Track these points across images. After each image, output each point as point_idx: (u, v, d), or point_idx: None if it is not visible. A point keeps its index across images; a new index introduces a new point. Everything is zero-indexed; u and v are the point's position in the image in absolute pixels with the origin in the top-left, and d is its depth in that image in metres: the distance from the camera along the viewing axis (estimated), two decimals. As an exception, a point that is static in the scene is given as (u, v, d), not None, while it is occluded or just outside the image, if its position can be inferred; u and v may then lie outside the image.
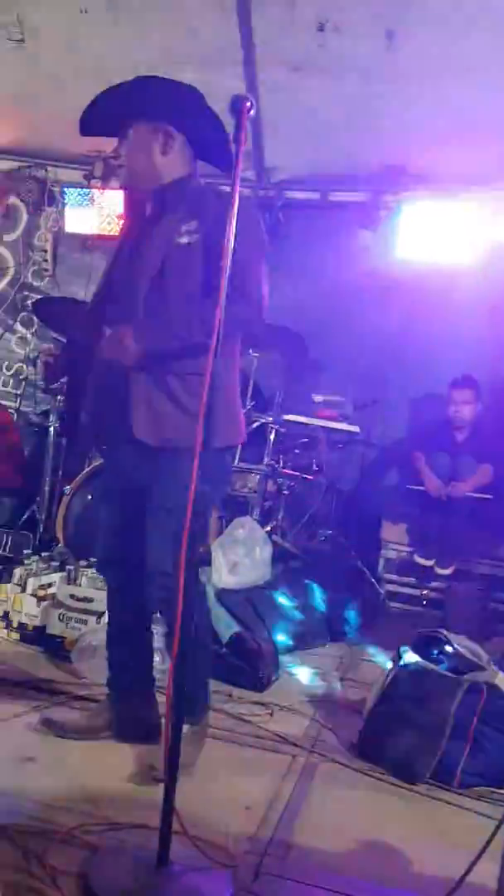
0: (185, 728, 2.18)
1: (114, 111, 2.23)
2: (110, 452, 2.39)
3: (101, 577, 2.60)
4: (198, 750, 2.22)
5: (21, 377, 5.91)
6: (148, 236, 2.22)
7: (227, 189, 1.84)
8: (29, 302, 5.87)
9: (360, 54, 4.44)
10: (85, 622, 3.04)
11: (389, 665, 2.61)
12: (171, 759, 1.64)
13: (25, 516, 4.75)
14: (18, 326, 6.02)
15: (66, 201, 5.80)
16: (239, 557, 3.64)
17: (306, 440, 4.83)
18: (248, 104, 1.74)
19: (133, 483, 2.21)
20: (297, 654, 3.48)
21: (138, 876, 1.61)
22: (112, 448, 2.35)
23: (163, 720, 2.20)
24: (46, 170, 5.93)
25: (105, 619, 3.02)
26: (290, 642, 3.50)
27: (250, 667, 2.99)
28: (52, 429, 4.41)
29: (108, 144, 5.49)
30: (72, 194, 5.79)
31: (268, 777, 2.26)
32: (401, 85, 4.55)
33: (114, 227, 5.64)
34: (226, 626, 3.15)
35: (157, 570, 2.14)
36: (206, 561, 3.41)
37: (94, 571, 3.28)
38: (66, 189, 5.82)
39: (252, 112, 1.76)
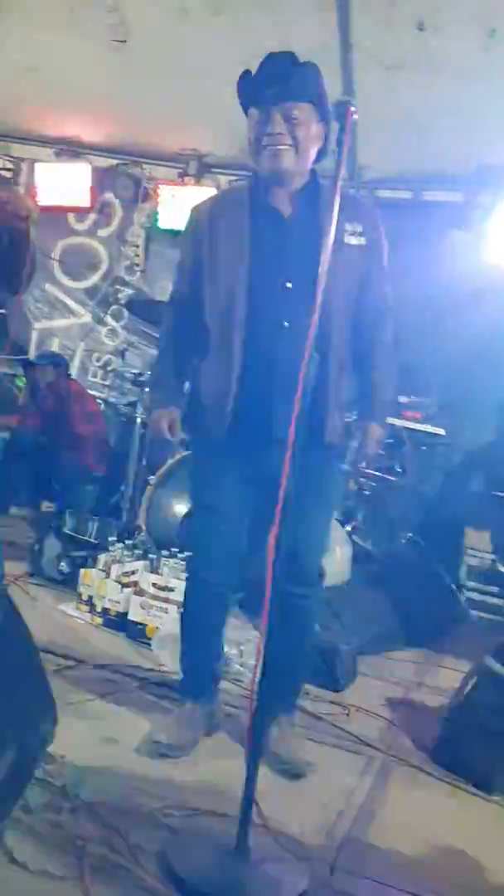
0: (291, 721, 2.32)
1: (301, 83, 2.02)
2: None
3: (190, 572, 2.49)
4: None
5: (109, 368, 6.05)
6: (300, 235, 2.09)
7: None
8: (120, 296, 6.01)
9: (459, 54, 4.38)
10: (166, 611, 3.11)
11: (470, 673, 2.58)
12: (253, 751, 1.67)
13: (110, 503, 4.88)
14: (109, 319, 6.16)
15: (160, 198, 5.90)
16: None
17: (391, 441, 4.79)
18: (353, 108, 1.74)
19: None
20: (374, 657, 3.46)
21: (217, 861, 1.64)
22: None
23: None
24: (142, 167, 6.04)
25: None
26: (368, 644, 3.48)
27: (328, 666, 2.99)
28: (138, 419, 4.50)
29: (201, 143, 5.69)
30: (166, 191, 5.89)
31: (344, 776, 2.27)
32: (500, 84, 4.47)
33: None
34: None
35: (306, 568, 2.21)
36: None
37: (177, 561, 3.35)
38: (160, 186, 5.92)
39: (356, 116, 1.76)
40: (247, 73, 2.10)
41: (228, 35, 4.70)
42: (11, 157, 6.40)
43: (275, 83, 2.01)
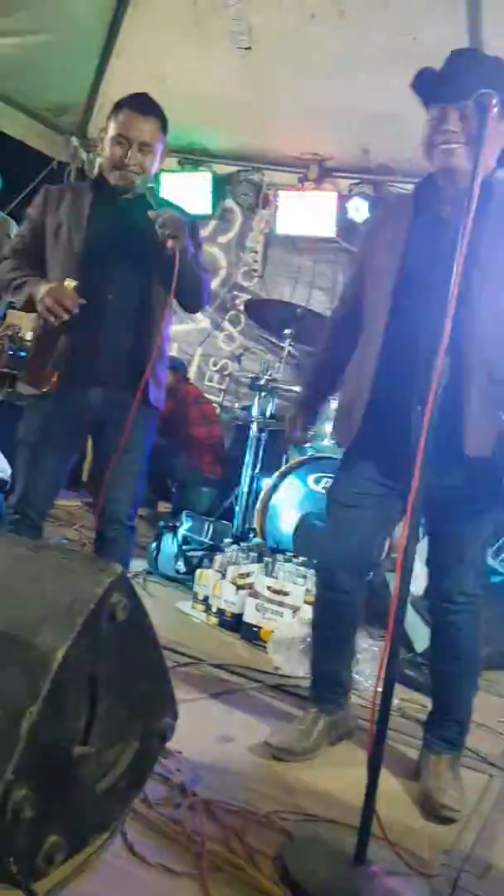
0: (450, 759, 2.17)
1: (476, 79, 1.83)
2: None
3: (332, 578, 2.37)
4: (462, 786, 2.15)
5: (225, 373, 6.12)
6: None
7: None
8: (238, 301, 6.06)
9: None
10: (280, 615, 3.10)
11: None
12: (374, 763, 1.63)
13: (225, 506, 4.93)
14: (226, 324, 6.23)
15: (279, 203, 5.93)
16: (417, 569, 3.54)
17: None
18: (494, 101, 1.67)
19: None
20: (494, 671, 3.33)
21: (334, 870, 1.61)
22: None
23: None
24: (262, 173, 6.08)
25: (300, 614, 3.08)
26: (487, 659, 3.35)
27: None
28: (254, 424, 4.53)
29: (322, 147, 5.67)
30: (285, 196, 5.91)
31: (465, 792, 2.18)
32: None
33: (324, 229, 5.69)
34: (421, 636, 3.09)
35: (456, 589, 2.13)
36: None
37: (293, 566, 3.34)
38: (279, 192, 5.94)
39: (496, 109, 1.69)
40: (426, 69, 2.02)
41: (353, 36, 4.68)
42: (136, 166, 6.58)
43: (451, 80, 1.93)
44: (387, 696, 1.62)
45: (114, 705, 1.52)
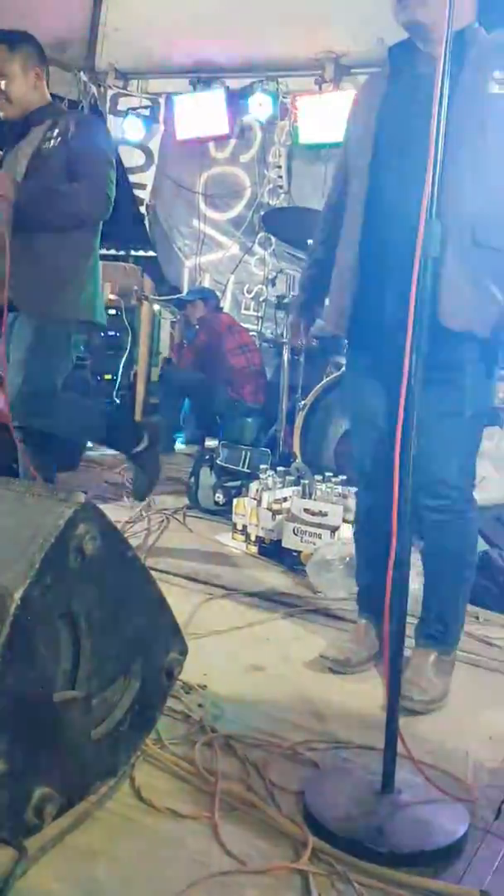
0: (433, 655, 2.03)
1: None
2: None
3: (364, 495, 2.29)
4: (445, 683, 2.02)
5: (261, 298, 5.89)
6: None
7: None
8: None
9: None
10: (319, 536, 2.96)
11: None
12: (393, 673, 1.48)
13: (269, 434, 4.78)
14: (256, 248, 5.98)
15: (298, 112, 5.58)
16: (487, 472, 3.33)
17: None
18: None
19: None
20: None
21: (360, 801, 1.48)
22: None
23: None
24: (277, 81, 5.73)
25: (339, 534, 2.94)
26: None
27: (499, 588, 2.73)
28: (285, 346, 4.32)
29: (335, 43, 5.28)
30: (304, 103, 5.56)
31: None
32: None
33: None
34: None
35: (436, 477, 1.93)
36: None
37: (330, 486, 3.19)
38: (297, 98, 5.59)
39: None
40: None
41: None
42: (149, 94, 6.31)
43: None
44: (400, 602, 1.47)
45: (101, 645, 1.41)
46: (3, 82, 2.62)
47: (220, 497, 3.64)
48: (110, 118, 6.36)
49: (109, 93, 6.33)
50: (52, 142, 2.62)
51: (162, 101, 6.26)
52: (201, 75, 6.00)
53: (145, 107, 6.33)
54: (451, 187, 1.67)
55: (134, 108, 6.31)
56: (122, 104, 6.32)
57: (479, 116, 1.78)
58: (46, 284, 2.66)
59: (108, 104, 6.34)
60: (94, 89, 6.31)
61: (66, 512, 1.32)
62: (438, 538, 2.05)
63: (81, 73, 6.20)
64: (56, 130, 2.63)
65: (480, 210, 1.80)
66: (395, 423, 1.48)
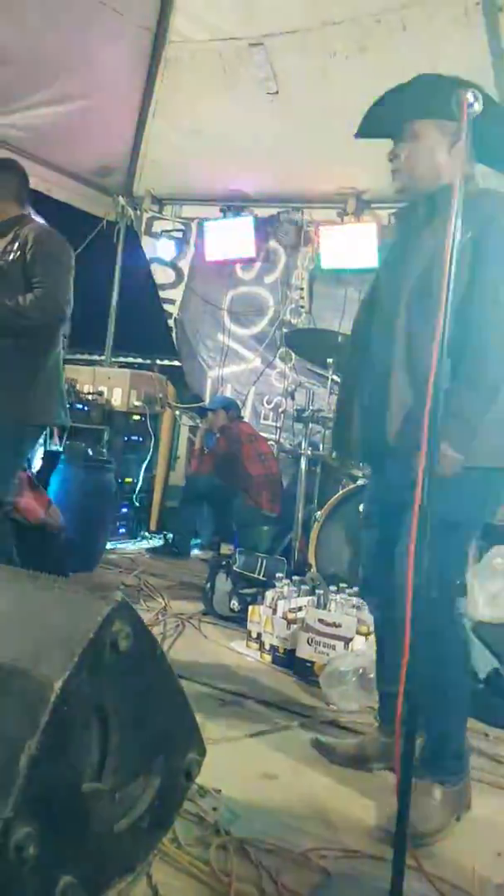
0: (438, 790, 1.98)
1: (394, 111, 2.14)
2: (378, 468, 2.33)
3: (366, 602, 2.48)
4: (452, 811, 1.97)
5: (280, 410, 6.12)
6: (417, 240, 2.10)
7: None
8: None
9: None
10: (333, 647, 3.01)
11: None
12: (404, 788, 1.53)
13: (285, 543, 4.87)
14: (277, 362, 6.26)
15: (320, 240, 5.96)
16: (498, 589, 3.40)
17: None
18: (469, 98, 1.65)
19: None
20: None
21: (370, 909, 1.52)
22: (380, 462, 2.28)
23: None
24: (302, 212, 6.15)
25: (352, 645, 2.99)
26: None
27: (509, 705, 2.76)
28: (303, 457, 4.49)
29: (358, 180, 5.69)
30: (326, 232, 5.94)
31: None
32: None
33: (368, 260, 5.68)
34: (483, 662, 2.95)
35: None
36: (462, 592, 3.23)
37: (344, 597, 3.26)
38: (320, 228, 5.98)
39: (475, 106, 1.68)
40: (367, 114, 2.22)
41: (376, 69, 4.71)
42: (182, 218, 6.76)
43: (380, 111, 2.17)
44: (411, 715, 1.54)
45: (127, 740, 1.49)
46: None
47: (235, 604, 3.71)
48: (145, 238, 6.82)
49: (145, 216, 6.80)
50: (12, 255, 2.82)
51: (194, 225, 6.70)
52: (231, 203, 6.45)
53: (178, 230, 6.77)
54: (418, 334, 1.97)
55: (167, 231, 6.76)
56: (157, 226, 6.78)
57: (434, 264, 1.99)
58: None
59: (143, 226, 6.80)
60: (131, 212, 6.77)
61: (105, 609, 1.43)
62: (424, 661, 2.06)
63: (120, 198, 6.68)
64: (16, 244, 2.84)
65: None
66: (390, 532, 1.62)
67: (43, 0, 4.71)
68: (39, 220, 3.03)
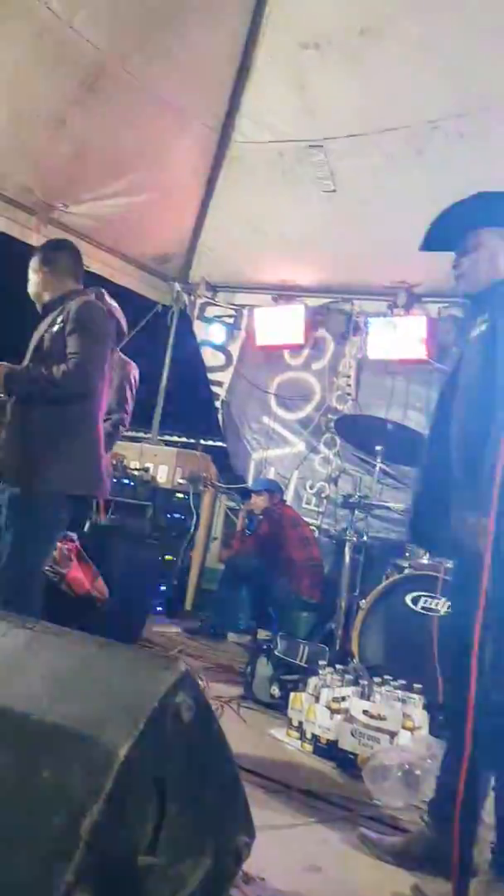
0: None
1: (457, 223, 2.33)
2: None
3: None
4: None
5: (323, 495, 6.13)
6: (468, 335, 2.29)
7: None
8: (332, 424, 6.15)
9: None
10: (377, 740, 2.94)
11: None
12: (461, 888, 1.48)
13: (325, 630, 4.81)
14: (322, 447, 6.32)
15: (369, 330, 6.09)
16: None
17: None
18: (475, 240, 1.86)
19: None
20: None
21: None
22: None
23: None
24: (352, 303, 6.31)
25: (398, 740, 2.91)
26: None
27: None
28: (348, 544, 4.47)
29: (409, 275, 5.85)
30: (375, 324, 6.07)
31: None
32: None
33: (415, 352, 5.79)
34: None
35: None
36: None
37: (389, 689, 3.20)
38: (369, 319, 6.12)
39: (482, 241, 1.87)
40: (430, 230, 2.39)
41: (432, 171, 4.92)
42: (234, 305, 6.97)
43: (443, 225, 2.34)
44: (468, 820, 1.50)
45: (182, 815, 1.47)
46: (31, 281, 3.14)
47: (275, 690, 3.65)
48: (197, 322, 7.04)
49: (199, 301, 7.04)
50: (56, 327, 2.93)
51: (245, 311, 6.90)
52: (283, 292, 6.65)
53: (229, 316, 6.98)
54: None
55: (219, 317, 6.98)
56: (209, 312, 7.01)
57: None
58: (30, 457, 2.85)
59: (196, 310, 7.04)
60: (185, 297, 7.03)
61: (169, 678, 1.44)
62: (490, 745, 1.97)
63: (176, 283, 6.94)
64: (61, 317, 2.95)
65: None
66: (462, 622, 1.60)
67: (121, 100, 5.02)
68: (91, 295, 3.12)
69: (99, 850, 1.28)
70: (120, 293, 6.46)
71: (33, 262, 3.13)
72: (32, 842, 1.27)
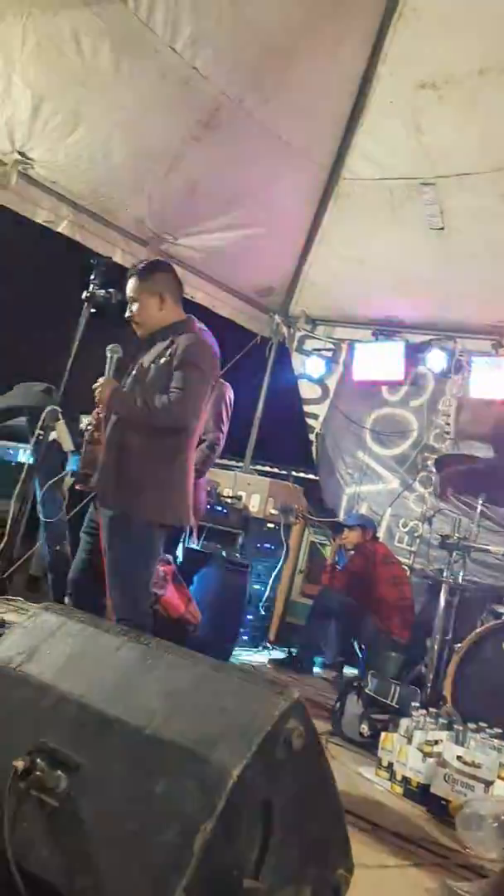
0: None
1: None
2: None
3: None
4: None
5: (416, 534, 6.04)
6: None
7: None
8: (429, 463, 6.07)
9: None
10: (472, 788, 2.85)
11: None
12: None
13: (413, 673, 4.70)
14: (417, 485, 6.23)
15: (472, 369, 6.00)
16: None
17: None
18: None
19: None
20: None
21: None
22: None
23: None
24: (455, 341, 6.23)
25: (493, 789, 2.82)
26: None
27: None
28: (444, 586, 4.38)
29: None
30: (479, 362, 5.98)
31: None
32: None
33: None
34: None
35: None
36: None
37: (485, 736, 3.10)
38: (473, 358, 6.04)
39: None
40: None
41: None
42: (333, 338, 7.00)
43: None
44: None
45: (287, 840, 1.46)
46: (134, 306, 3.05)
47: (365, 728, 3.59)
48: (295, 355, 7.11)
49: (298, 334, 7.11)
50: (163, 359, 2.93)
51: (344, 345, 6.92)
52: (384, 328, 6.63)
53: (328, 349, 7.01)
54: None
55: (318, 350, 7.02)
56: (308, 345, 7.07)
57: None
58: (126, 482, 2.90)
59: (294, 343, 7.10)
60: (285, 330, 7.10)
61: (283, 704, 1.45)
62: None
63: (276, 316, 7.02)
64: (169, 350, 2.94)
65: None
66: None
67: (236, 137, 5.17)
68: (199, 326, 3.12)
69: (209, 867, 1.29)
70: (220, 323, 6.63)
71: (136, 285, 3.05)
72: (146, 853, 1.29)
